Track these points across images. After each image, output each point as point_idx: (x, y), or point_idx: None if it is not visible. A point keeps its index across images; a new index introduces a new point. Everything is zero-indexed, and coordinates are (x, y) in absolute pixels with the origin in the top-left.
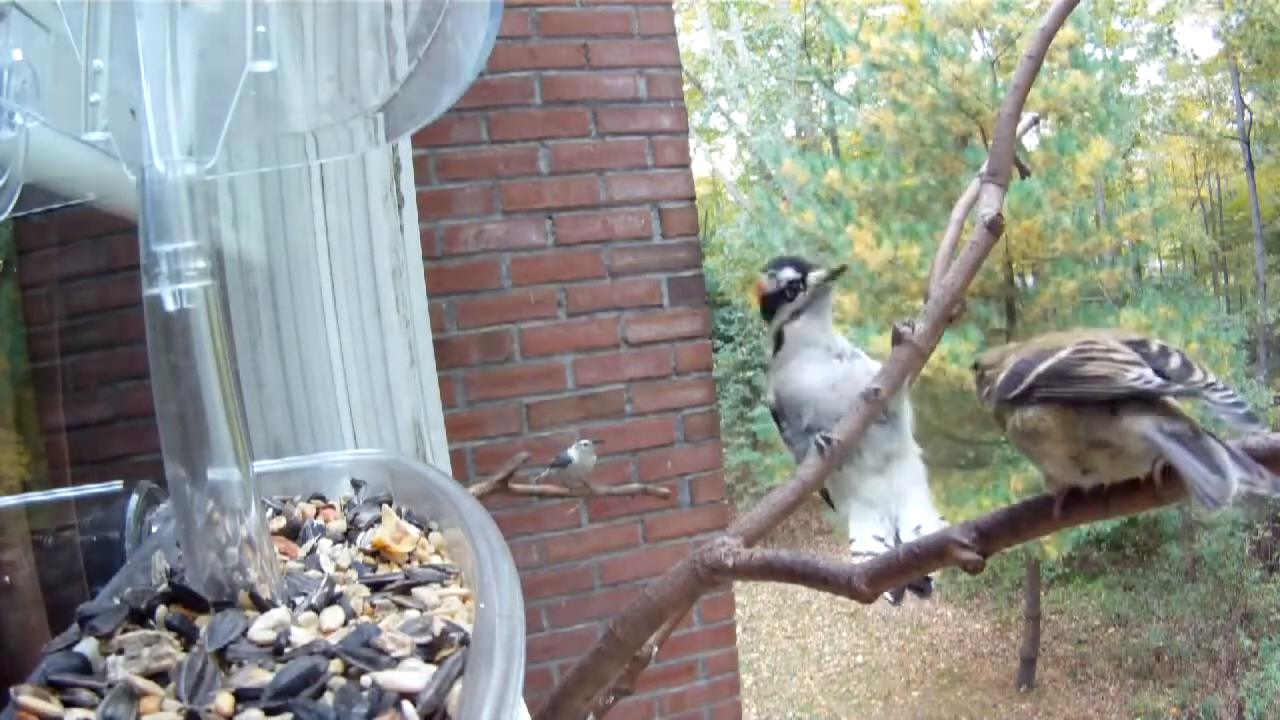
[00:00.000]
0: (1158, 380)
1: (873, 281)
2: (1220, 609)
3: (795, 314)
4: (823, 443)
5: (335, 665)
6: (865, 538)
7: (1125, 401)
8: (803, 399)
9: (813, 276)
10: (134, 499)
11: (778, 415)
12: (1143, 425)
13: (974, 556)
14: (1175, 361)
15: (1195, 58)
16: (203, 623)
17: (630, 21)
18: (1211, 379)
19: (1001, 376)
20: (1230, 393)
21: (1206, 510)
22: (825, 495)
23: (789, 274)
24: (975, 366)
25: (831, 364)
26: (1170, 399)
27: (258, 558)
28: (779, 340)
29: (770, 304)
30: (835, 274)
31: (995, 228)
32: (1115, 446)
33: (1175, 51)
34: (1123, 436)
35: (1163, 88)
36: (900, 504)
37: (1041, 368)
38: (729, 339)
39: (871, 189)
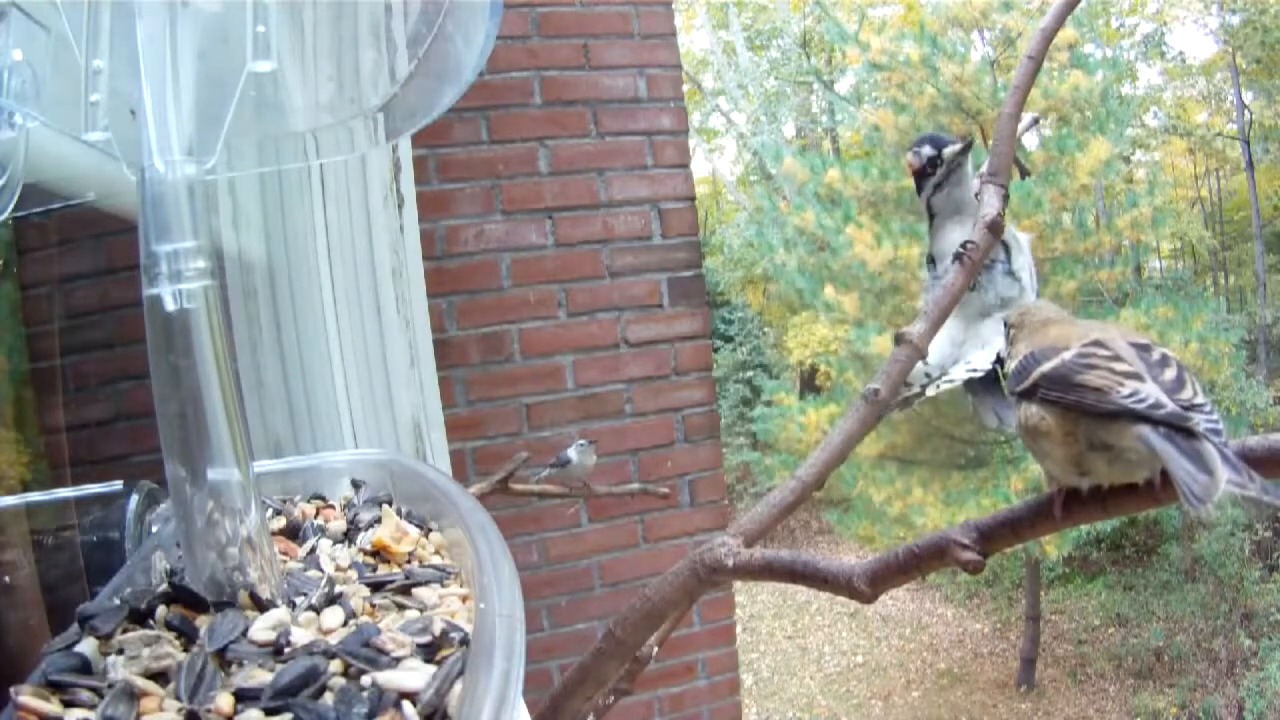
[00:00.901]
0: (1150, 400)
1: (873, 281)
2: (1220, 609)
3: (937, 187)
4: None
5: (335, 665)
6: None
7: None
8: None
9: (946, 151)
10: (134, 499)
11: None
12: (1139, 426)
13: (974, 557)
14: (1171, 374)
15: (1184, 59)
16: (203, 623)
17: (630, 21)
18: (1199, 400)
19: (1012, 365)
20: (1214, 417)
21: (1192, 509)
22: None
23: (927, 151)
24: (1005, 325)
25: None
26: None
27: (258, 558)
28: (931, 211)
29: (917, 179)
30: (967, 147)
31: (995, 228)
32: (1113, 449)
33: (1164, 54)
34: (1119, 437)
35: (1162, 88)
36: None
37: (1046, 367)
38: (729, 339)
39: (871, 189)
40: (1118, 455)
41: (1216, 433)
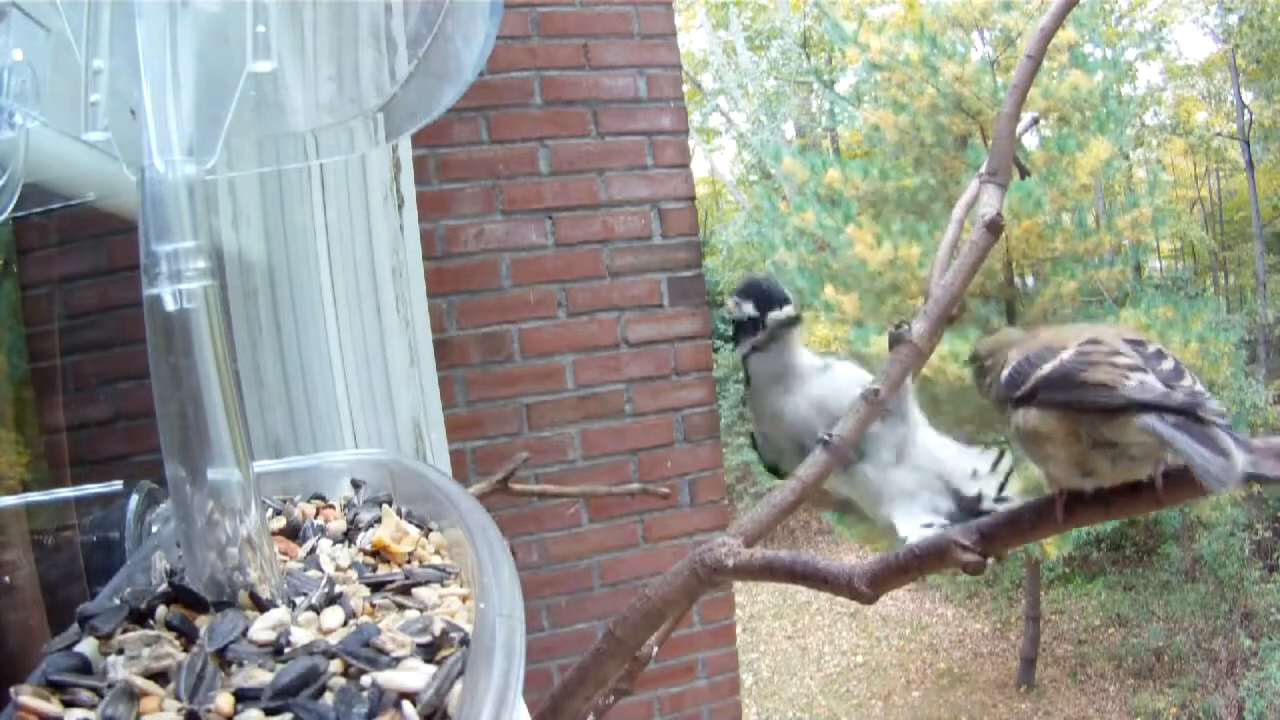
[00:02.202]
0: (1158, 389)
1: (873, 281)
2: (1220, 609)
3: (755, 348)
4: (827, 438)
5: (335, 665)
6: (914, 530)
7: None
8: (798, 429)
9: (770, 318)
10: (134, 499)
11: (768, 449)
12: (1145, 418)
13: (975, 558)
14: (1168, 365)
15: (1184, 57)
16: (203, 623)
17: (630, 21)
18: (1199, 388)
19: (1005, 373)
20: (1216, 403)
21: (1214, 490)
22: (845, 505)
23: (749, 310)
24: (973, 358)
25: (809, 385)
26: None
27: (258, 558)
28: (747, 371)
29: (735, 329)
30: (793, 321)
31: (995, 228)
32: (1118, 446)
33: (1160, 48)
34: (1125, 432)
35: (1162, 88)
36: (939, 468)
37: (1045, 370)
38: (729, 339)
39: (871, 189)
40: (1122, 451)
41: (1221, 416)
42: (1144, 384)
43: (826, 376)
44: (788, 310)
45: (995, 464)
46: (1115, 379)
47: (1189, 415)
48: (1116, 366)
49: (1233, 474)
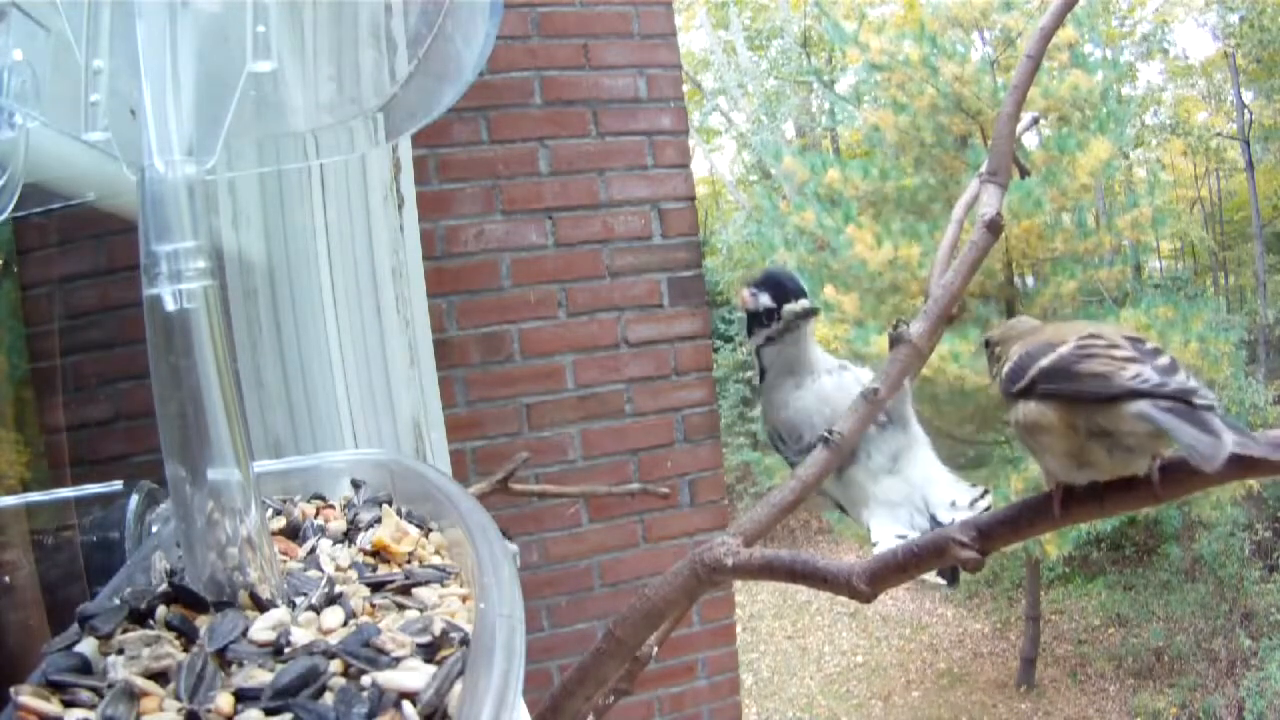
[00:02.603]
0: (1154, 379)
1: (873, 281)
2: (1220, 609)
3: (770, 339)
4: (828, 436)
5: (335, 665)
6: (887, 538)
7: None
8: (798, 420)
9: (786, 309)
10: (134, 499)
11: (777, 439)
12: (1138, 405)
13: (973, 555)
14: (1164, 360)
15: (1186, 57)
16: (203, 623)
17: (630, 21)
18: (1193, 383)
19: (1007, 368)
20: (1210, 396)
21: (1203, 467)
22: (839, 506)
23: (765, 301)
24: (986, 343)
25: (820, 381)
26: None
27: (258, 558)
28: (761, 364)
29: (749, 321)
30: (810, 312)
31: (995, 227)
32: (1114, 436)
33: (1167, 51)
34: (1120, 420)
35: (1162, 87)
36: (926, 489)
37: (1044, 363)
38: (729, 339)
39: (871, 189)
40: (1117, 441)
41: (1212, 408)
42: (1139, 374)
43: (838, 376)
44: (803, 303)
45: (974, 502)
46: (1112, 369)
47: (1182, 402)
48: (1114, 359)
49: (1220, 451)
